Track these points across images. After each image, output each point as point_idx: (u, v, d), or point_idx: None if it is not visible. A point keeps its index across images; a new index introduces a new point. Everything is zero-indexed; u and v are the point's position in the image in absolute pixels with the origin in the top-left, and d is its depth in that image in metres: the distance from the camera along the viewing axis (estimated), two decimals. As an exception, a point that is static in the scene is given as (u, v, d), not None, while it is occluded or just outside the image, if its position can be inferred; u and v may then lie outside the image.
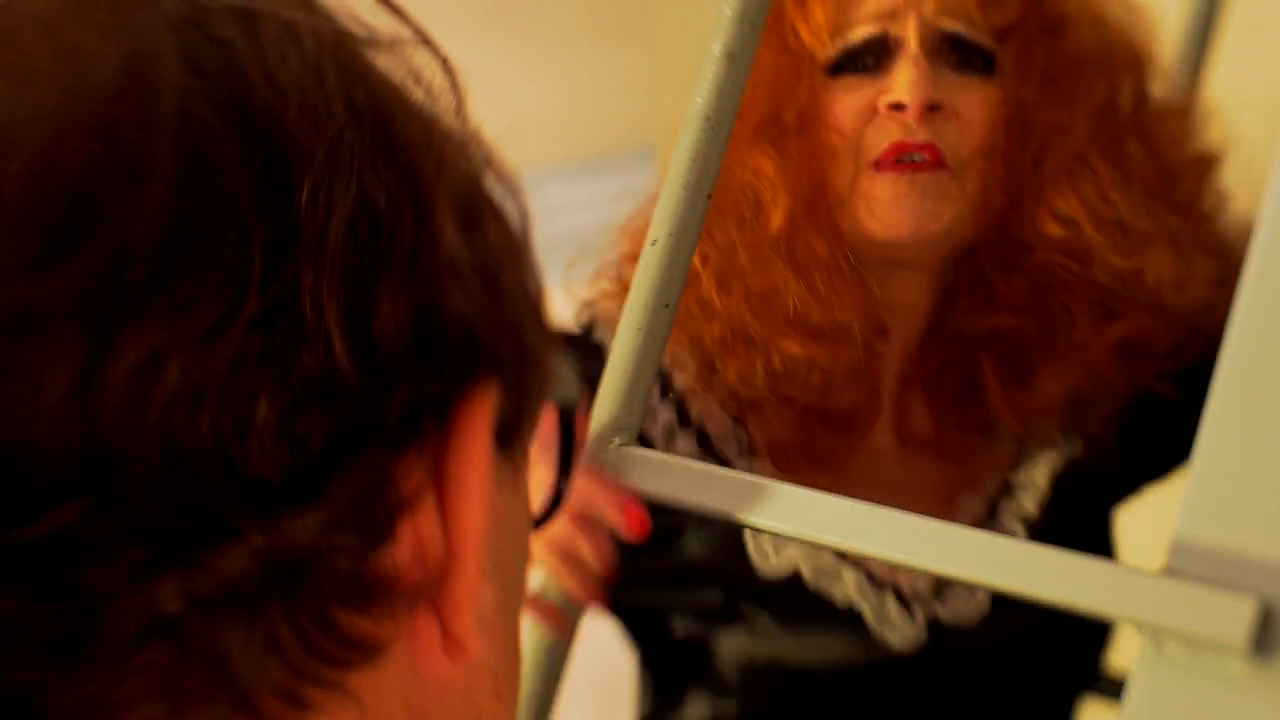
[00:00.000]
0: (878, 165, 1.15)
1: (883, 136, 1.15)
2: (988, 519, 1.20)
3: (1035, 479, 1.21)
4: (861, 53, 1.17)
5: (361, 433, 0.42)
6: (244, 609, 0.41)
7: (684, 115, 1.03)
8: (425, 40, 0.47)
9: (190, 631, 0.40)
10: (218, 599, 0.40)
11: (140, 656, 0.40)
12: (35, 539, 0.39)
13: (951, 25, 1.16)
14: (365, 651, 0.44)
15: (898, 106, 1.14)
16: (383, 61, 0.46)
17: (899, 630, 1.18)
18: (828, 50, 1.18)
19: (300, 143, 0.42)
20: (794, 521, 0.94)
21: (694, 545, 1.22)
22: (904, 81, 1.14)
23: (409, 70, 0.46)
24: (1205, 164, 1.21)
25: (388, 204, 0.43)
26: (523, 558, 0.51)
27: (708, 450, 1.22)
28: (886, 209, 1.14)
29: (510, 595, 0.50)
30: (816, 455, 1.20)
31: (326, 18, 0.45)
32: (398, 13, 0.47)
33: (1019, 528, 1.20)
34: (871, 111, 1.16)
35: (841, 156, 1.16)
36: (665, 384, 1.22)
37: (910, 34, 1.16)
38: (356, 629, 0.43)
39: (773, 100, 1.18)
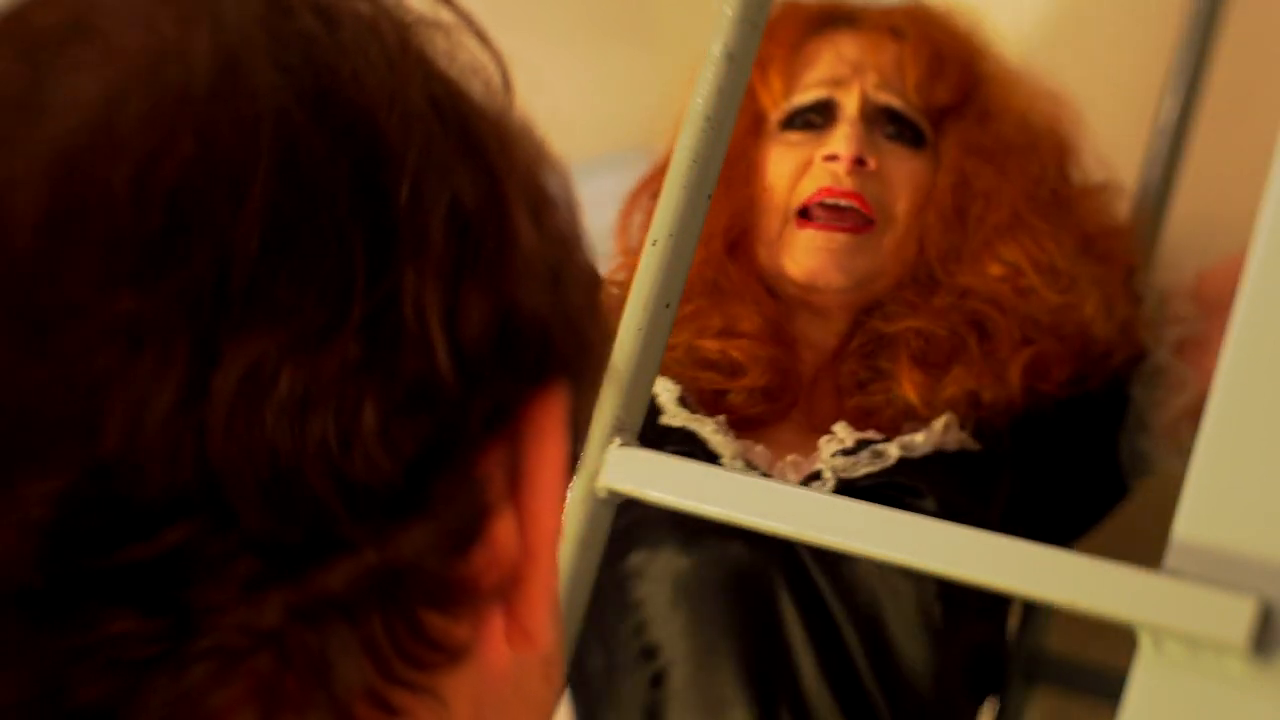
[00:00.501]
0: (803, 215, 1.30)
1: (812, 183, 1.31)
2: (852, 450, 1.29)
3: (917, 440, 1.29)
4: (808, 112, 1.34)
5: (452, 436, 0.41)
6: (347, 618, 0.40)
7: (685, 115, 1.03)
8: (477, 31, 0.46)
9: (293, 641, 0.40)
10: (323, 610, 0.40)
11: (243, 666, 0.39)
12: (148, 557, 0.38)
13: (888, 99, 1.34)
14: (450, 653, 0.43)
15: (831, 157, 1.30)
16: (442, 48, 0.45)
17: None
18: (780, 111, 1.36)
19: (393, 144, 0.41)
20: (796, 522, 0.94)
21: None
22: (839, 136, 1.31)
23: (467, 61, 0.45)
24: (1121, 232, 1.39)
25: (475, 204, 0.42)
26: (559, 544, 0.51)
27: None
28: (804, 256, 1.30)
29: (557, 586, 0.50)
30: (750, 417, 1.31)
31: (393, 8, 0.44)
32: (450, 4, 0.46)
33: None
34: (808, 164, 1.32)
35: (773, 207, 1.33)
36: None
37: (851, 102, 1.33)
38: (442, 632, 0.43)
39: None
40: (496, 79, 0.46)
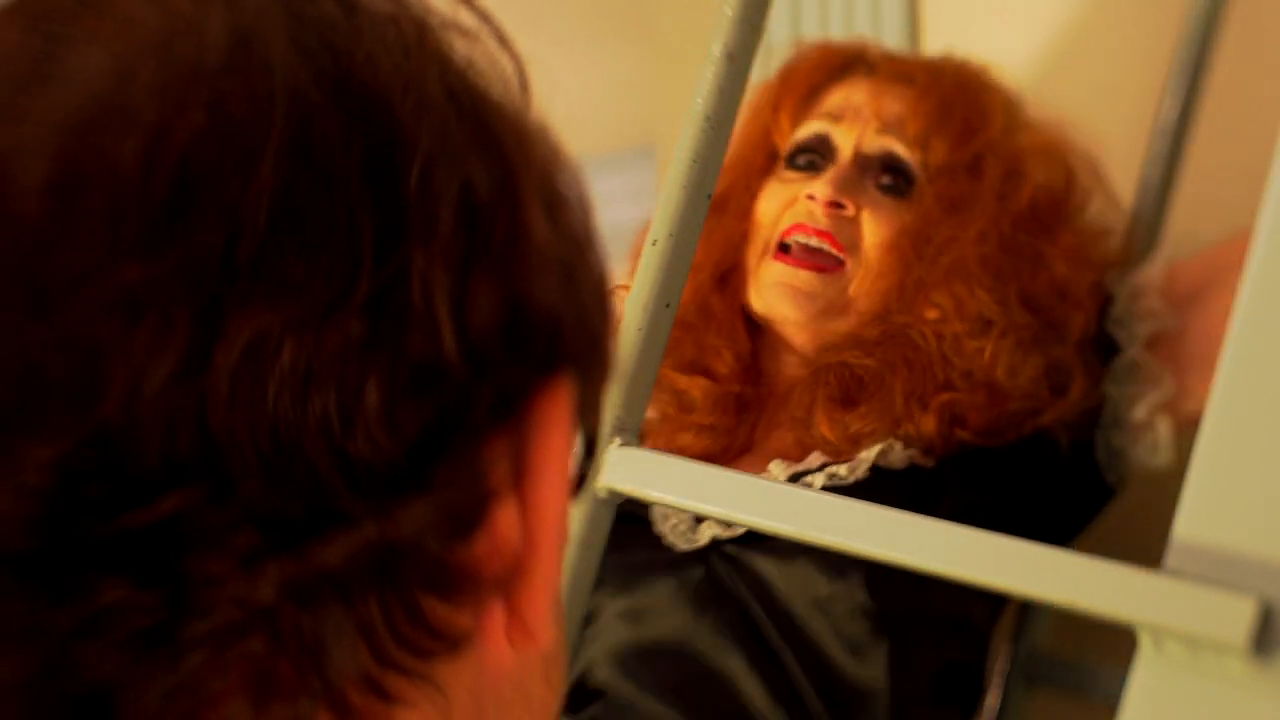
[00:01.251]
0: (779, 251, 1.36)
1: (790, 219, 1.36)
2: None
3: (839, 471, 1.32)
4: (808, 150, 1.39)
5: (456, 420, 0.41)
6: (342, 598, 0.40)
7: (685, 115, 1.03)
8: (497, 32, 0.46)
9: (287, 621, 0.39)
10: (318, 587, 0.39)
11: (236, 647, 0.39)
12: (143, 525, 0.38)
13: (884, 145, 1.37)
14: (449, 642, 0.43)
15: (811, 196, 1.35)
16: (462, 48, 0.45)
17: (683, 535, 1.28)
18: (785, 148, 1.42)
19: (406, 127, 0.41)
20: (796, 522, 0.94)
21: None
22: (823, 179, 1.36)
23: (486, 60, 0.46)
24: (1086, 283, 1.38)
25: (487, 193, 0.42)
26: (565, 544, 0.51)
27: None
28: (766, 289, 1.36)
29: (560, 583, 0.49)
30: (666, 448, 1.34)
31: (414, 5, 0.45)
32: (470, 5, 0.46)
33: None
34: (793, 201, 1.37)
35: (758, 239, 1.38)
36: None
37: (847, 144, 1.38)
38: (442, 618, 0.42)
39: (724, 183, 1.38)
40: (515, 80, 0.46)
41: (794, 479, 1.30)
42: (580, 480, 0.53)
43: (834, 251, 1.34)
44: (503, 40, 0.46)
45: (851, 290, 1.35)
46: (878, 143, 1.37)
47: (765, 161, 1.42)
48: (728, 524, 1.27)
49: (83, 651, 0.38)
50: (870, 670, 1.25)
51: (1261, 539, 0.78)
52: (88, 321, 0.38)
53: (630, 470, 1.00)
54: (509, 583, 0.44)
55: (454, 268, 0.41)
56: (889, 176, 1.37)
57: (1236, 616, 0.76)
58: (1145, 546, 0.94)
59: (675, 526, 1.29)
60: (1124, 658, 0.82)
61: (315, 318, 0.39)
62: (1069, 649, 1.53)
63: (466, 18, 0.46)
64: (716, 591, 1.26)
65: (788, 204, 1.37)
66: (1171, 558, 0.80)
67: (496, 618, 0.44)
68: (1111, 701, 0.87)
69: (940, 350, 1.32)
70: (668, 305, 1.02)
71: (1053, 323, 1.35)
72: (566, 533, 0.48)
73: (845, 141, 1.38)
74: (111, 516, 0.38)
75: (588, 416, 0.48)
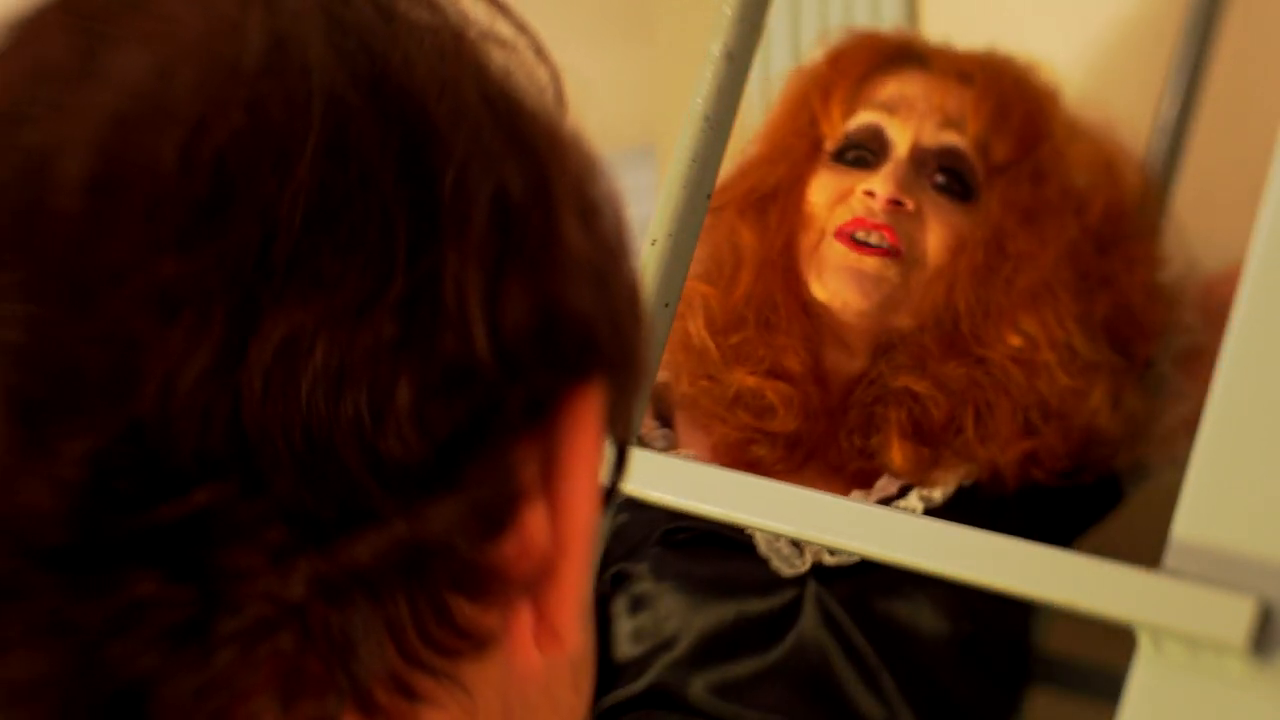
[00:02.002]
0: (836, 234, 1.30)
1: (848, 212, 1.31)
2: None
3: (932, 495, 1.30)
4: (860, 145, 1.33)
5: (487, 420, 0.41)
6: (371, 595, 0.40)
7: (685, 115, 1.04)
8: (534, 43, 0.47)
9: (316, 618, 0.40)
10: (347, 585, 0.40)
11: (267, 643, 0.39)
12: (176, 518, 0.38)
13: (944, 141, 1.32)
14: (475, 642, 0.43)
15: (869, 193, 1.29)
16: (499, 58, 0.46)
17: (787, 560, 1.27)
18: (834, 139, 1.35)
19: (442, 130, 0.42)
20: (796, 522, 0.94)
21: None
22: (882, 174, 1.30)
23: (522, 68, 0.46)
24: (1159, 311, 1.36)
25: (520, 197, 0.43)
26: (594, 550, 0.51)
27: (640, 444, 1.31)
28: (830, 274, 1.30)
29: (588, 588, 0.50)
30: (747, 467, 1.29)
31: (450, 12, 0.45)
32: (507, 14, 0.47)
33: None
34: (848, 193, 1.31)
35: (810, 227, 1.33)
36: None
37: (904, 140, 1.32)
38: (469, 618, 0.42)
39: (776, 175, 1.35)
40: (551, 90, 0.47)
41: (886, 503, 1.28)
42: (611, 489, 0.53)
43: (892, 243, 1.29)
44: (539, 51, 0.47)
45: (911, 283, 1.30)
46: (937, 138, 1.32)
47: (810, 149, 1.37)
48: (831, 550, 1.26)
49: (116, 647, 0.39)
50: (961, 690, 1.26)
51: (1261, 539, 0.78)
52: (125, 317, 0.38)
53: (630, 470, 0.99)
54: (537, 585, 0.44)
55: (487, 269, 0.41)
56: (946, 176, 1.32)
57: (1236, 616, 0.76)
58: (1146, 546, 0.94)
59: (779, 550, 1.27)
60: (1124, 658, 0.82)
61: (349, 316, 0.39)
62: (1070, 648, 1.53)
63: (504, 28, 0.46)
64: (820, 616, 1.25)
65: (840, 197, 1.32)
66: (1171, 558, 0.80)
67: (524, 620, 0.44)
68: (1112, 701, 0.87)
69: (1030, 384, 1.27)
70: (667, 305, 1.02)
71: (1127, 355, 1.32)
72: (596, 540, 0.49)
73: (901, 136, 1.32)
74: (144, 510, 0.38)
75: (618, 424, 0.48)
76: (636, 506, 1.28)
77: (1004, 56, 1.39)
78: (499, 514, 0.43)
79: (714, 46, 1.03)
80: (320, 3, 0.43)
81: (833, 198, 1.32)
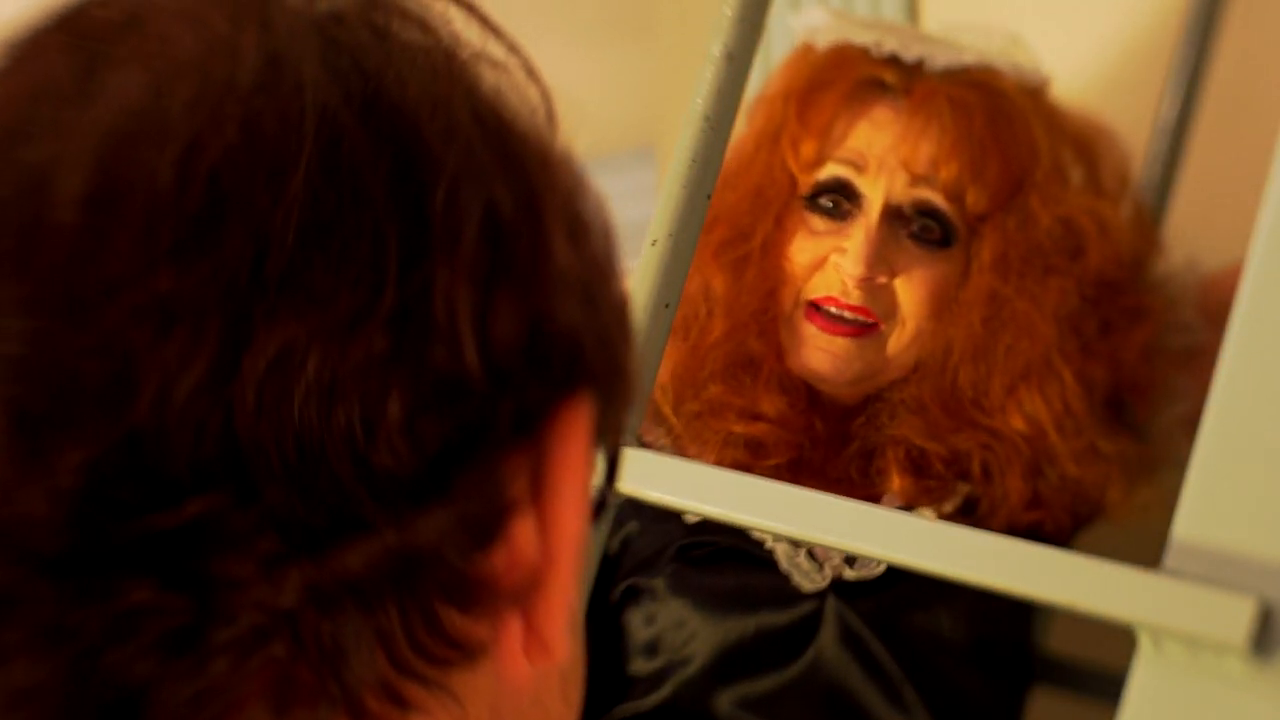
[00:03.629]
0: (810, 309, 1.27)
1: (823, 285, 1.27)
2: None
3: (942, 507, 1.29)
4: (829, 191, 1.28)
5: (477, 433, 0.42)
6: (362, 604, 0.41)
7: (685, 115, 1.04)
8: (525, 64, 0.48)
9: (308, 626, 0.40)
10: (337, 593, 0.40)
11: (259, 651, 0.40)
12: (170, 527, 0.39)
13: (917, 196, 1.26)
14: (466, 652, 0.44)
15: (840, 266, 1.25)
16: (490, 78, 0.47)
17: (807, 575, 1.26)
18: (806, 184, 1.29)
19: (433, 147, 0.43)
20: (795, 522, 0.94)
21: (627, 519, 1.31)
22: (853, 250, 1.25)
23: (513, 88, 0.47)
24: (1155, 372, 1.32)
25: (510, 214, 0.43)
26: (583, 561, 0.52)
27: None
28: (805, 353, 1.27)
29: (577, 599, 0.50)
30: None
31: (442, 33, 0.46)
32: (499, 35, 0.48)
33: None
34: (823, 260, 1.27)
35: (787, 286, 1.28)
36: None
37: (875, 196, 1.26)
38: (459, 628, 0.43)
39: (748, 217, 1.30)
40: (542, 110, 0.48)
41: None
42: (601, 503, 0.54)
43: (867, 321, 1.26)
44: (531, 71, 0.48)
45: (890, 350, 1.27)
46: (909, 195, 1.26)
47: (785, 189, 1.31)
48: (850, 563, 1.26)
49: (113, 655, 0.39)
50: (977, 694, 1.26)
51: (1261, 539, 0.78)
52: (122, 330, 0.39)
53: (629, 470, 1.00)
54: (526, 596, 0.45)
55: (477, 285, 0.42)
56: (924, 224, 1.26)
57: (1236, 616, 0.76)
58: (1146, 546, 0.94)
59: (799, 565, 1.26)
60: (1124, 658, 0.82)
61: (341, 330, 0.40)
62: (1070, 648, 1.53)
63: (496, 49, 0.47)
64: (840, 631, 1.25)
65: (817, 261, 1.28)
66: (1171, 558, 0.80)
67: (514, 631, 0.45)
68: (1111, 701, 0.87)
69: (1037, 463, 1.25)
70: (667, 305, 1.02)
71: (1124, 417, 1.30)
72: (586, 552, 0.49)
73: (872, 192, 1.26)
74: (139, 519, 0.39)
75: (608, 437, 0.49)
76: (648, 517, 1.28)
77: (983, 77, 1.30)
78: (489, 526, 0.43)
79: (714, 46, 1.03)
80: (314, 22, 0.44)
81: (810, 262, 1.28)
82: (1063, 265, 1.26)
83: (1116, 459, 1.27)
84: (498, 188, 0.44)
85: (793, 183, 1.30)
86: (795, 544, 1.27)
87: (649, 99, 1.89)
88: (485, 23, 0.47)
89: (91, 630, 0.39)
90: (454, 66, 0.45)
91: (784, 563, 1.27)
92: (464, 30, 0.47)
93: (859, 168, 1.27)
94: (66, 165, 0.40)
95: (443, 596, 0.43)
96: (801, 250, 1.28)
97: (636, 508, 1.27)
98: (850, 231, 1.26)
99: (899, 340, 1.27)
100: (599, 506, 0.54)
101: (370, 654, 0.41)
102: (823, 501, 0.94)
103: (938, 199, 1.26)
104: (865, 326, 1.26)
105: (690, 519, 1.28)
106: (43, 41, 0.44)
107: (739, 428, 1.27)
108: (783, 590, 1.26)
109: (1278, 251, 0.80)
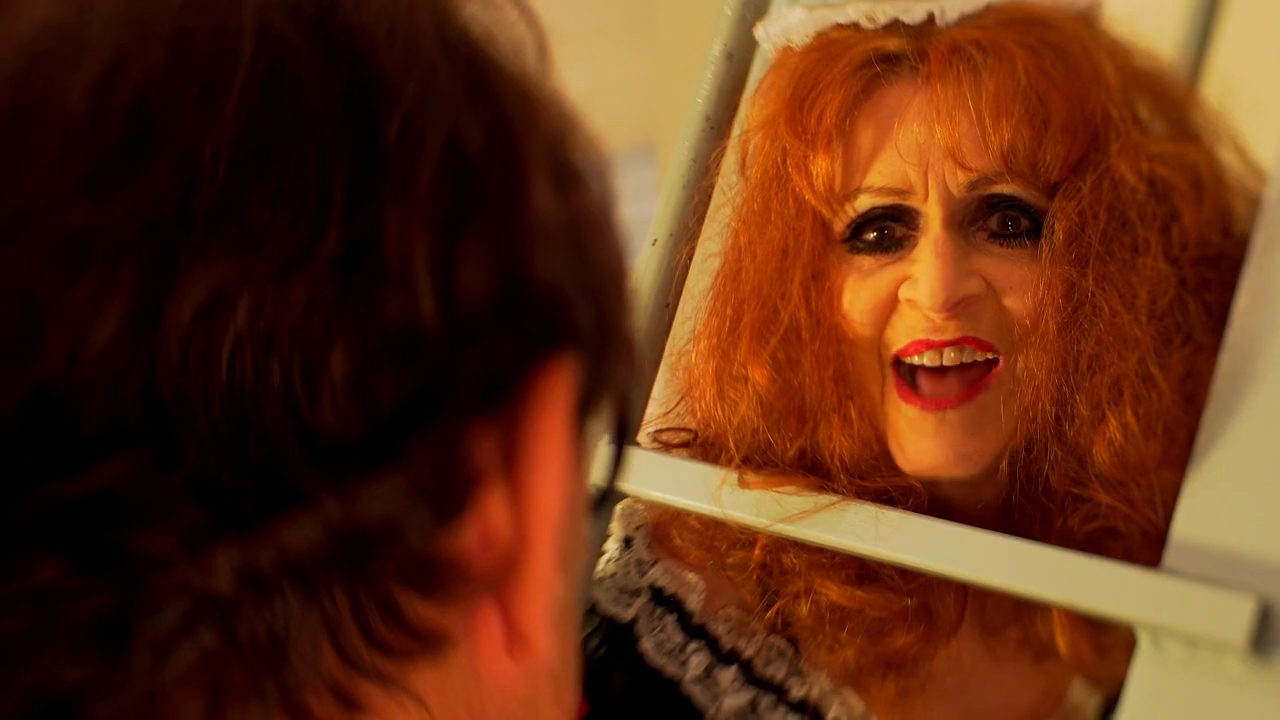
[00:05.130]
0: (901, 379, 0.95)
1: (904, 331, 0.95)
2: None
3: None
4: (871, 223, 0.96)
5: (436, 394, 0.37)
6: (302, 588, 0.36)
7: (685, 115, 1.04)
8: (519, 2, 0.43)
9: (241, 613, 0.36)
10: (275, 575, 0.36)
11: (186, 643, 0.36)
12: (80, 495, 0.35)
13: (983, 190, 0.94)
14: (429, 643, 0.39)
15: (913, 301, 0.94)
16: (472, 9, 0.42)
17: None
18: (841, 220, 0.97)
19: (389, 72, 0.38)
20: (798, 523, 0.94)
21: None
22: (924, 274, 0.93)
23: (496, 21, 0.42)
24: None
25: (479, 150, 0.39)
26: (581, 551, 0.47)
27: (751, 678, 1.03)
28: (911, 442, 0.95)
29: (571, 593, 0.45)
30: (886, 665, 1.00)
31: None
32: None
33: None
34: (891, 301, 0.95)
35: (862, 343, 0.96)
36: (679, 614, 1.03)
37: (933, 210, 0.94)
38: (421, 616, 0.38)
39: (778, 286, 0.98)
40: (533, 49, 0.43)
41: None
42: (607, 492, 0.49)
43: (982, 355, 0.94)
44: (522, 8, 0.43)
45: (1025, 383, 0.93)
46: (970, 190, 0.94)
47: (813, 230, 0.98)
48: None
49: (33, 654, 0.35)
50: None
51: (1260, 539, 0.78)
52: (30, 269, 0.35)
53: (629, 471, 1.00)
54: (500, 583, 0.40)
55: (437, 226, 0.37)
56: (1003, 216, 0.94)
57: (1235, 616, 0.76)
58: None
59: None
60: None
61: (278, 273, 0.36)
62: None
63: None
64: None
65: (885, 303, 0.95)
66: (1170, 557, 0.80)
67: (491, 624, 0.40)
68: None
69: (1142, 531, 0.93)
70: (667, 305, 1.02)
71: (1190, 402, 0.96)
72: (576, 535, 0.44)
73: (926, 205, 0.94)
74: (46, 485, 0.35)
75: (597, 405, 0.44)
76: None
77: (1015, 9, 0.98)
78: (450, 498, 0.38)
79: (714, 46, 1.03)
80: None
81: (875, 306, 0.95)
82: (1154, 241, 0.94)
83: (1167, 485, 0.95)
84: (464, 121, 0.39)
85: (819, 221, 0.97)
86: None
87: (649, 99, 1.89)
88: None
89: (3, 620, 0.35)
90: None
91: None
92: None
93: (901, 192, 0.95)
94: None
95: (401, 579, 0.38)
96: (857, 296, 0.96)
97: None
98: (913, 256, 0.95)
99: (1026, 372, 0.94)
100: (601, 496, 0.50)
101: (313, 646, 0.37)
102: (824, 503, 0.94)
103: (1005, 183, 0.93)
104: (982, 370, 0.94)
105: None
106: None
107: (836, 592, 0.98)
108: None
109: (1278, 251, 0.80)
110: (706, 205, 1.04)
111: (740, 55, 1.03)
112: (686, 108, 1.03)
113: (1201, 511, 0.80)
